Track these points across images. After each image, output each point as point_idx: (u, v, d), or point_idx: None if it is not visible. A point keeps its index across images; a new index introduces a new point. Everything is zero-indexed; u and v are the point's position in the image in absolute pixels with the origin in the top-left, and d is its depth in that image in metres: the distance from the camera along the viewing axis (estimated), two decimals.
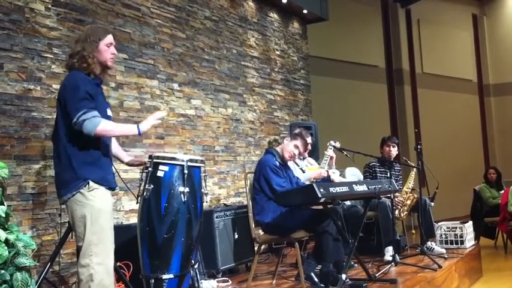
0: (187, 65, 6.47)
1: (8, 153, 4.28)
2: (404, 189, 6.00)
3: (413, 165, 6.11)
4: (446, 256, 5.56)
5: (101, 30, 3.35)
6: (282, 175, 4.73)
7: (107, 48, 3.28)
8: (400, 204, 5.93)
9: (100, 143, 3.24)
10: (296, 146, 4.84)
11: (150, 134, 5.77)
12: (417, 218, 6.01)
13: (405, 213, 5.97)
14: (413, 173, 6.10)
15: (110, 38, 3.32)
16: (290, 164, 5.10)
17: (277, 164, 4.74)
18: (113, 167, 3.40)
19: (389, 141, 6.15)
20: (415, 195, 5.99)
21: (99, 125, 3.10)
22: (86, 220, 3.10)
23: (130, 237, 3.80)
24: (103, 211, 3.15)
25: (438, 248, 5.86)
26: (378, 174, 6.07)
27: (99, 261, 3.08)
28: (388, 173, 6.06)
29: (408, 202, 5.96)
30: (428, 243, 5.84)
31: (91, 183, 3.14)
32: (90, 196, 3.13)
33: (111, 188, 3.28)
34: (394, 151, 6.13)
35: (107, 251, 3.13)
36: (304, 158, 5.82)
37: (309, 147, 5.83)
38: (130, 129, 3.34)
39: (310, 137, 5.88)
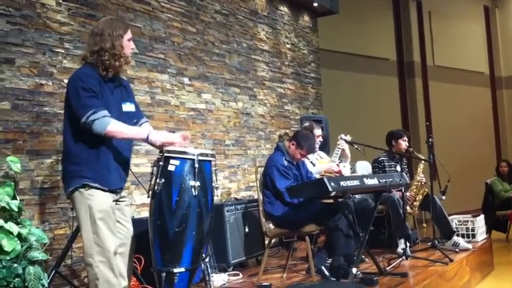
0: (197, 59, 6.47)
1: (21, 148, 4.32)
2: (414, 183, 5.95)
3: (422, 158, 6.08)
4: (457, 250, 5.53)
5: (122, 25, 3.23)
6: (291, 173, 4.71)
7: (128, 43, 3.19)
8: (411, 199, 5.90)
9: (105, 139, 3.10)
10: (302, 155, 4.83)
11: (160, 128, 5.78)
12: (429, 213, 5.98)
13: (416, 208, 5.93)
14: (421, 165, 6.06)
15: (130, 33, 3.22)
16: None
17: (286, 163, 4.72)
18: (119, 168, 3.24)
19: (405, 135, 6.11)
20: (426, 189, 5.95)
21: (109, 125, 2.99)
22: (84, 218, 3.07)
23: (142, 231, 3.80)
24: (99, 210, 3.07)
25: (464, 244, 5.64)
26: (387, 169, 6.04)
27: (102, 259, 3.05)
28: (398, 167, 6.05)
29: (420, 197, 5.92)
30: (455, 238, 5.67)
31: (86, 182, 3.05)
32: (87, 195, 3.06)
33: (110, 190, 3.16)
34: (406, 145, 6.11)
35: (108, 248, 3.07)
36: (314, 152, 5.81)
37: (320, 139, 5.81)
38: (141, 133, 3.20)
39: (320, 130, 5.88)
